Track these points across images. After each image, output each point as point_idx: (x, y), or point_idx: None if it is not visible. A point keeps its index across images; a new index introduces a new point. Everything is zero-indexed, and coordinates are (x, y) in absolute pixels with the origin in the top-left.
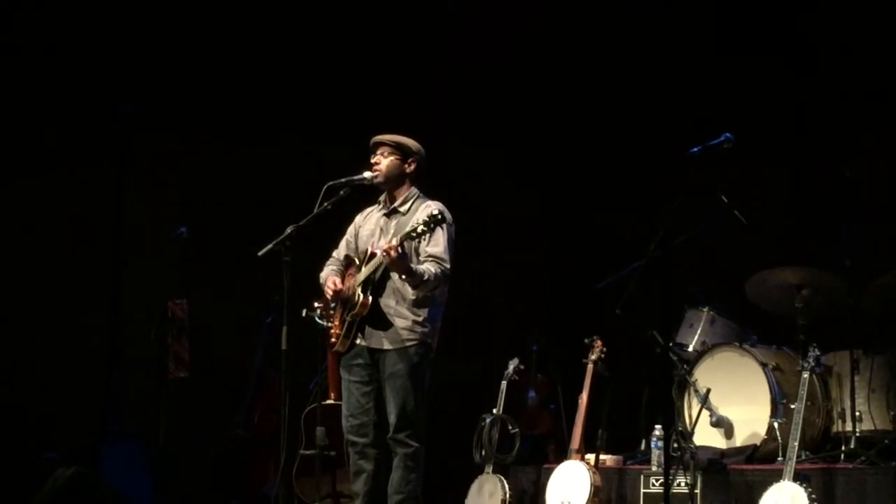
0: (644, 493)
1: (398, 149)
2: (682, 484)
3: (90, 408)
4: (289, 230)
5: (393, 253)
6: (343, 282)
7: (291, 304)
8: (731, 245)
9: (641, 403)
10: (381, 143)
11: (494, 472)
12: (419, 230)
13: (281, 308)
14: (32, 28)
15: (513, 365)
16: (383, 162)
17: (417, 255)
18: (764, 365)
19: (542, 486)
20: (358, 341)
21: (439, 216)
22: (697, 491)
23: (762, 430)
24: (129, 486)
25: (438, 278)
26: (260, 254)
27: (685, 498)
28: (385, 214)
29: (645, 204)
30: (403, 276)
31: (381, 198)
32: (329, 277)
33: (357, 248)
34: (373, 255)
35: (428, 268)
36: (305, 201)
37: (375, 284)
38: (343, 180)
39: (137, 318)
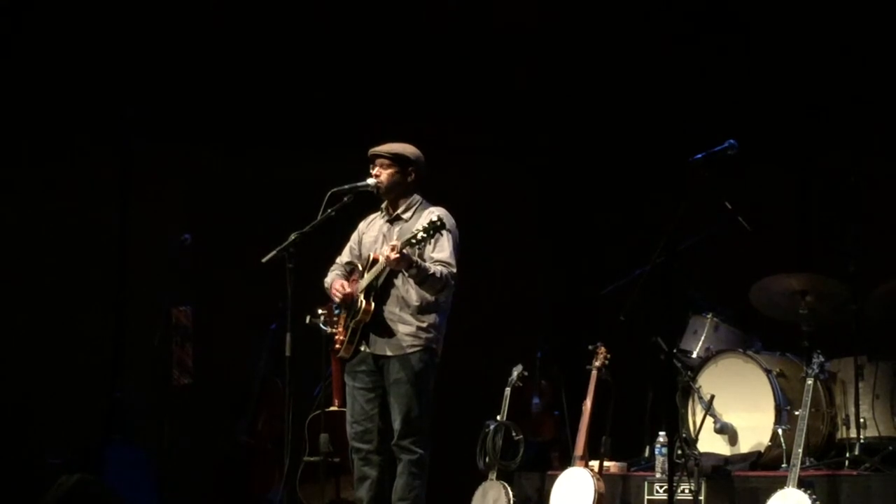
0: (648, 499)
1: (396, 160)
2: (686, 491)
3: (94, 414)
4: (293, 237)
5: (395, 253)
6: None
7: (295, 310)
8: (735, 251)
9: (645, 410)
10: (378, 156)
11: (498, 478)
12: (419, 237)
13: (285, 315)
14: (36, 33)
15: (517, 371)
16: (383, 175)
17: (423, 261)
18: (768, 371)
19: (546, 492)
20: (362, 348)
21: (438, 222)
22: (701, 498)
23: (766, 437)
24: (133, 492)
25: (446, 277)
26: (264, 260)
27: None
28: (388, 221)
29: (649, 210)
30: (409, 270)
31: (384, 205)
32: (336, 280)
33: (360, 254)
34: (375, 261)
35: (435, 266)
36: (309, 208)
37: (378, 291)
38: (346, 187)
39: (141, 325)
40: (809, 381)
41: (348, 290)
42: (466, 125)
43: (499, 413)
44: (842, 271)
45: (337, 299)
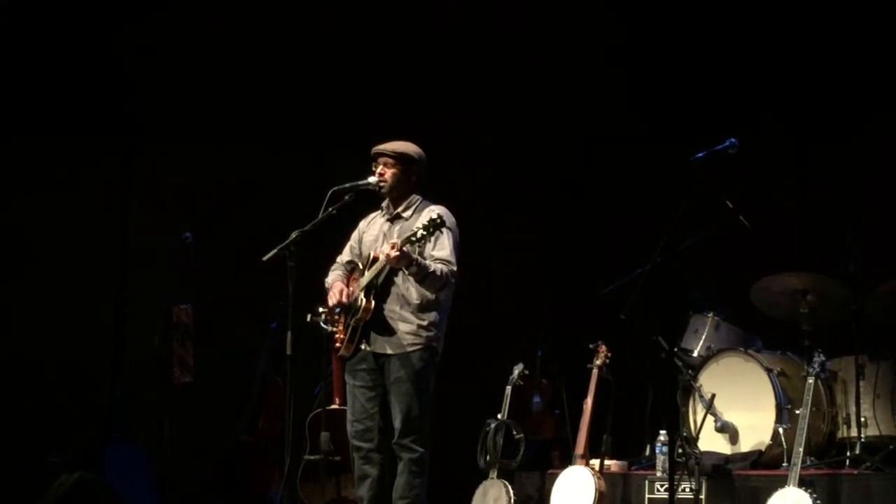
0: (649, 498)
1: (399, 159)
2: (687, 489)
3: (95, 412)
4: (294, 235)
5: (395, 251)
6: (348, 286)
7: (296, 309)
8: (736, 251)
9: (646, 409)
10: (382, 154)
11: (499, 477)
12: (419, 234)
13: (286, 313)
14: (37, 33)
15: (518, 370)
16: (387, 173)
17: (424, 259)
18: (769, 370)
19: (547, 491)
20: (362, 346)
21: (438, 220)
22: (702, 496)
23: (767, 436)
24: (133, 491)
25: (446, 275)
26: (265, 259)
27: (690, 503)
28: (389, 220)
29: (650, 208)
30: (409, 268)
31: (385, 203)
32: (336, 284)
33: (361, 253)
34: (375, 259)
35: (435, 264)
36: (310, 206)
37: (378, 289)
38: (348, 185)
39: (141, 324)
40: (810, 381)
41: (343, 298)
42: (466, 125)
43: (499, 412)
44: (842, 271)
45: (331, 303)
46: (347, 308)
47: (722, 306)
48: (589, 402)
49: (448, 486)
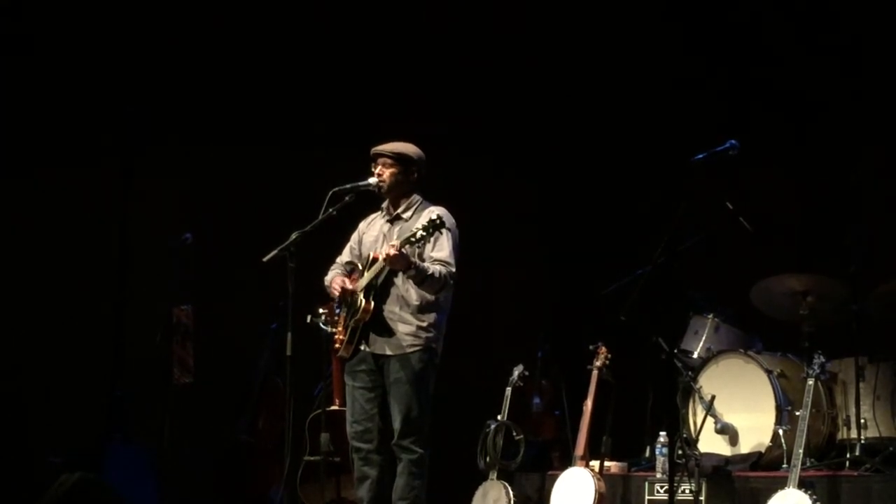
0: (648, 499)
1: (398, 160)
2: (687, 491)
3: (95, 412)
4: (294, 236)
5: (393, 252)
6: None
7: (296, 309)
8: (736, 252)
9: (646, 410)
10: (381, 155)
11: (499, 478)
12: (418, 235)
13: (286, 314)
14: (39, 32)
15: (517, 371)
16: (385, 174)
17: (422, 260)
18: (769, 372)
19: (547, 492)
20: (362, 347)
21: (438, 221)
22: (702, 498)
23: (767, 437)
24: (134, 491)
25: (444, 277)
26: (265, 259)
27: None
28: (388, 221)
29: (649, 210)
30: (408, 272)
31: (384, 204)
32: (336, 278)
33: (361, 254)
34: (375, 260)
35: (434, 266)
36: (310, 207)
37: (378, 290)
38: (348, 186)
39: (141, 325)
40: (810, 382)
41: (348, 286)
42: (467, 125)
43: (499, 413)
44: (842, 271)
45: (335, 294)
46: (348, 304)
47: (722, 307)
48: (589, 403)
49: (448, 487)
